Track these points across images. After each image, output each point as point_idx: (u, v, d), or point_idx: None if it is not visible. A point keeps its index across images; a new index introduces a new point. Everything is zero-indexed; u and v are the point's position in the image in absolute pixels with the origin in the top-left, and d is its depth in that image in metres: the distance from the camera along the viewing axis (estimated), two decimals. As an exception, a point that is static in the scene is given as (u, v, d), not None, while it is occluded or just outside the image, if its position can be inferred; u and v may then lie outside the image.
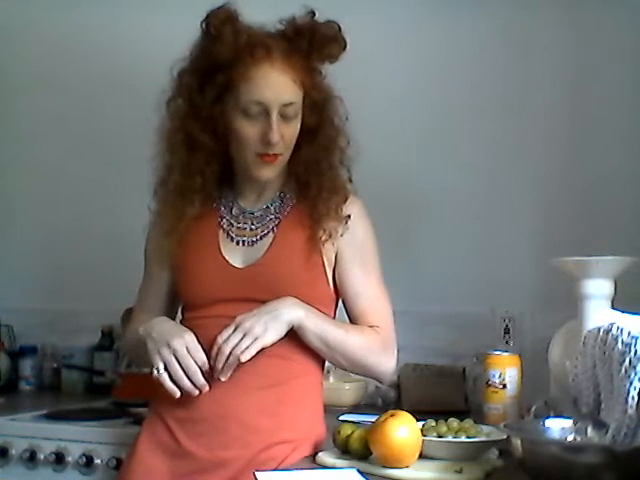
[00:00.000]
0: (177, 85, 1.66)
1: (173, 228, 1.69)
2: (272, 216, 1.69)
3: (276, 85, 1.60)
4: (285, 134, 1.61)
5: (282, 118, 1.60)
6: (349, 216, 1.67)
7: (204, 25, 1.60)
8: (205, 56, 1.62)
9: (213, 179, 1.70)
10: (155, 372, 1.55)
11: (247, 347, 1.52)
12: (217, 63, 1.61)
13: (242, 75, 1.59)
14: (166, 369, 1.54)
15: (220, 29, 1.58)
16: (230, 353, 1.52)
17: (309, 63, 1.64)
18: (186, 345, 1.54)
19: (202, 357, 1.54)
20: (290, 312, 1.57)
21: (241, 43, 1.59)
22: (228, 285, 1.63)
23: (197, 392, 1.55)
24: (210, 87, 1.63)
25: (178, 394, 1.55)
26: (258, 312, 1.56)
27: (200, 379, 1.54)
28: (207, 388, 1.55)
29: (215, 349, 1.54)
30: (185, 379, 1.54)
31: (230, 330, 1.54)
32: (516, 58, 2.43)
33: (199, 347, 1.55)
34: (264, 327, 1.53)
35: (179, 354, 1.54)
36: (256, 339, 1.52)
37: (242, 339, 1.52)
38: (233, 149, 1.65)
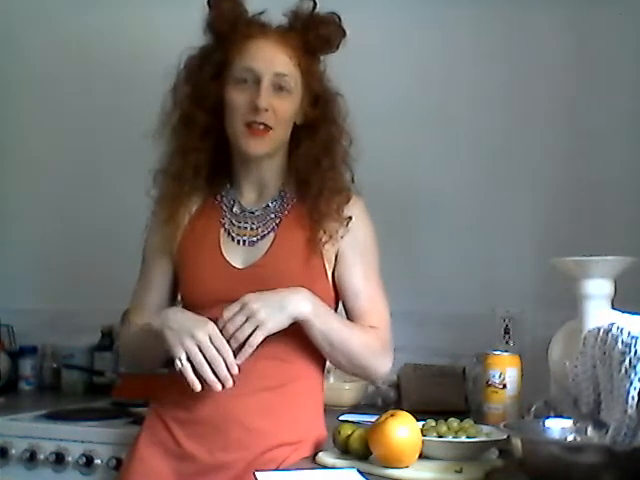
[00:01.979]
0: (181, 69, 1.69)
1: (171, 214, 1.69)
2: (273, 215, 1.69)
3: (269, 55, 1.63)
4: (277, 107, 1.62)
5: (274, 90, 1.62)
6: (350, 217, 1.67)
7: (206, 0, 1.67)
8: (206, 34, 1.68)
9: (208, 159, 1.70)
10: (178, 363, 1.50)
11: (250, 334, 1.50)
12: (215, 38, 1.67)
13: (237, 49, 1.64)
14: (189, 360, 1.50)
15: (219, 2, 1.66)
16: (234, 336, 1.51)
17: (306, 43, 1.66)
18: (209, 335, 1.51)
19: (228, 349, 1.50)
20: (298, 306, 1.55)
21: (238, 18, 1.66)
22: (228, 286, 1.62)
23: (220, 387, 1.50)
24: (209, 65, 1.67)
25: (199, 387, 1.50)
26: (267, 297, 1.54)
27: (224, 371, 1.49)
28: (230, 383, 1.50)
29: (220, 326, 1.52)
30: (209, 371, 1.49)
31: (236, 308, 1.52)
32: (517, 58, 2.43)
33: (223, 339, 1.51)
34: (268, 314, 1.51)
35: (203, 345, 1.49)
36: (257, 327, 1.50)
37: (245, 322, 1.50)
38: (226, 124, 1.66)
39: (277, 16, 1.69)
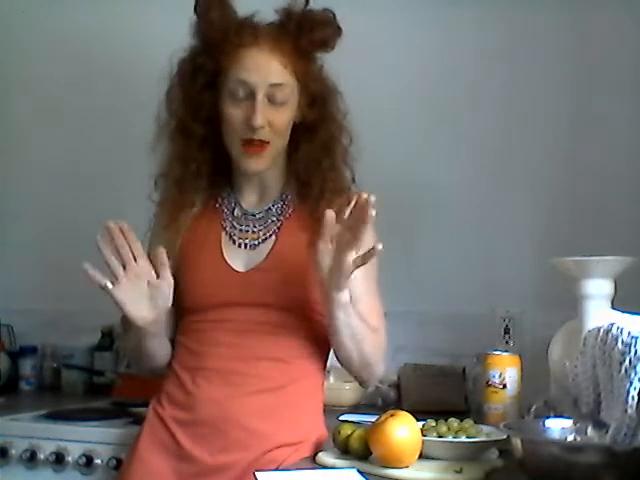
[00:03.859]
0: (173, 74, 1.67)
1: (172, 219, 1.68)
2: (274, 218, 1.68)
3: (263, 66, 1.59)
4: (273, 120, 1.59)
5: (270, 102, 1.59)
6: None
7: (194, 7, 1.63)
8: (196, 41, 1.64)
9: (208, 168, 1.69)
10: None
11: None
12: (206, 46, 1.63)
13: (230, 59, 1.60)
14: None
15: (208, 10, 1.61)
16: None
17: (300, 48, 1.62)
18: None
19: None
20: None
21: (229, 25, 1.61)
22: (229, 289, 1.62)
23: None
24: (201, 73, 1.64)
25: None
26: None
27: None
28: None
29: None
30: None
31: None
32: (518, 58, 2.44)
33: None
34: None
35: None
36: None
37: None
38: (223, 137, 1.64)
39: (270, 14, 1.65)
